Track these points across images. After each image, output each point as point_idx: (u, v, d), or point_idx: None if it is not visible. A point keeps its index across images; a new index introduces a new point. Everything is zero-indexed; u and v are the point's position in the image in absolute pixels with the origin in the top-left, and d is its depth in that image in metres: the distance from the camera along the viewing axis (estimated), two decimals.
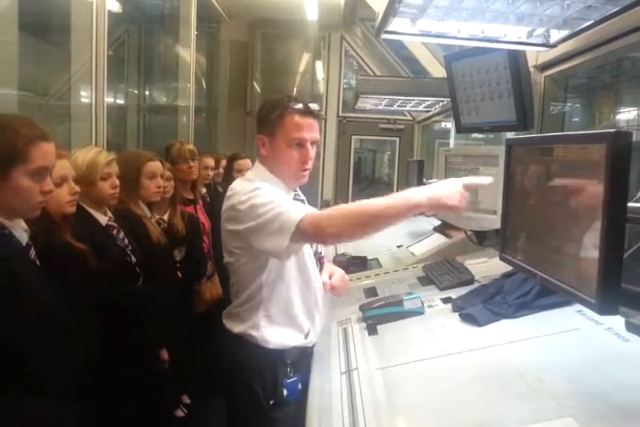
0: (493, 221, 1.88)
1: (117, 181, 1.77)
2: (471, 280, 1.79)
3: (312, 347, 1.49)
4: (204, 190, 2.94)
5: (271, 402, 1.38)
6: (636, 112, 2.57)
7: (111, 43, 3.53)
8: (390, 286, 2.01)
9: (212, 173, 3.03)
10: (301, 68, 5.91)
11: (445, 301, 1.64)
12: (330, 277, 1.57)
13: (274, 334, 1.38)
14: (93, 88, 2.67)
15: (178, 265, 2.29)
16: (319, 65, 5.93)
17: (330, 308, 1.74)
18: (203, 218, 2.66)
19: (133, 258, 1.79)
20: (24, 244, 1.15)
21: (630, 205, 0.86)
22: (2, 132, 1.07)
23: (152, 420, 1.96)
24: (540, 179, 1.05)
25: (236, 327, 1.40)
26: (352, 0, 4.77)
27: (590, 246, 0.84)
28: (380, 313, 1.57)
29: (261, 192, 1.28)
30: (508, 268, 1.51)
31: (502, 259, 1.21)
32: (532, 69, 2.16)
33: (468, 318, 1.42)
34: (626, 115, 2.68)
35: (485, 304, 1.45)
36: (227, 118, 5.69)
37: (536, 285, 1.39)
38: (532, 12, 1.39)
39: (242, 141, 5.48)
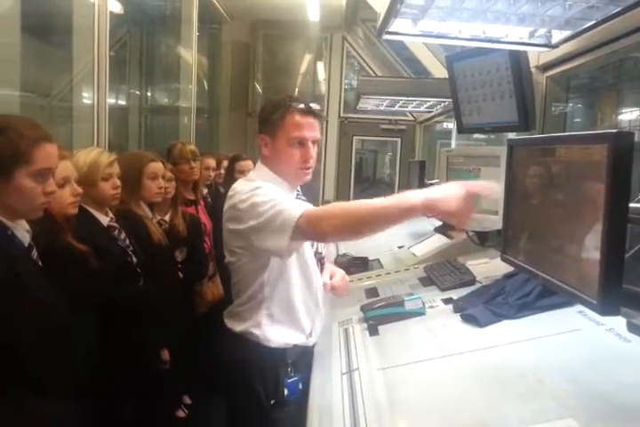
0: (495, 222, 1.87)
1: (119, 182, 1.77)
2: (472, 281, 1.79)
3: (312, 347, 1.49)
4: (205, 191, 2.95)
5: (272, 402, 1.38)
6: (638, 112, 2.56)
7: (113, 44, 3.53)
8: (391, 286, 2.00)
9: (213, 174, 3.03)
10: (303, 68, 5.91)
11: (446, 301, 1.63)
12: (330, 278, 1.58)
13: (275, 332, 1.38)
14: (95, 89, 2.68)
15: (179, 266, 2.30)
16: (320, 66, 5.93)
17: (331, 308, 1.74)
18: (204, 219, 2.67)
19: (134, 258, 1.79)
20: (26, 244, 1.15)
21: (632, 205, 0.86)
22: (5, 133, 1.07)
23: (152, 420, 1.96)
24: (541, 179, 1.05)
25: (238, 326, 1.40)
26: (353, 1, 4.78)
27: (592, 247, 0.84)
28: (381, 314, 1.57)
29: (262, 191, 1.28)
30: (510, 268, 1.51)
31: (504, 259, 1.21)
32: (533, 70, 2.15)
33: (470, 319, 1.41)
34: (628, 115, 2.67)
35: (487, 305, 1.45)
36: (228, 119, 5.70)
37: (537, 285, 1.39)
38: (533, 12, 1.38)
39: (243, 142, 5.49)
